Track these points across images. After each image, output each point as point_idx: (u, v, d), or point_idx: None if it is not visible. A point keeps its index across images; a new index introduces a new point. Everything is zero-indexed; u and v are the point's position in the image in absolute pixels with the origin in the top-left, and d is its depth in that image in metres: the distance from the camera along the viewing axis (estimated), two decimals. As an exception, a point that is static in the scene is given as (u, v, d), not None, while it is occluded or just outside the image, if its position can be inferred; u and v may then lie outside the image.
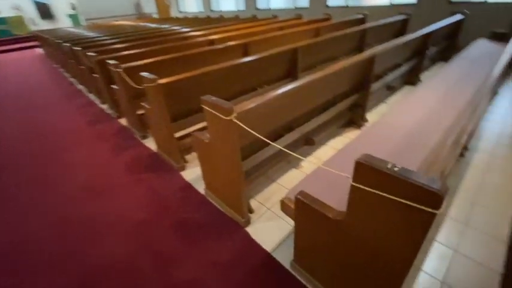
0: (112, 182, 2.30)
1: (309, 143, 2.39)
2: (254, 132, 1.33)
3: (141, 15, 13.96)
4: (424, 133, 1.72)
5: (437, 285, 1.36)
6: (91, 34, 6.34)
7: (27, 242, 1.79)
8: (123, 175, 2.38)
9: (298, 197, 1.14)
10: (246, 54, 3.29)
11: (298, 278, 1.42)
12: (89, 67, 3.59)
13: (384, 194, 0.79)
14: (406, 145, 1.63)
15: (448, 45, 4.61)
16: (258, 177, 1.94)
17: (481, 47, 3.57)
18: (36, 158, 2.79)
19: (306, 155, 2.41)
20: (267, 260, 1.54)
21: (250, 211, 1.82)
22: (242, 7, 9.43)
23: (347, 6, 6.63)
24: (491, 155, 2.27)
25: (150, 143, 2.80)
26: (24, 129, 3.48)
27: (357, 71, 2.42)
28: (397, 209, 0.78)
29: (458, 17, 4.35)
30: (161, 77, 1.98)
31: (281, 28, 4.68)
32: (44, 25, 12.33)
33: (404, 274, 0.90)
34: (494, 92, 1.65)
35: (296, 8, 7.72)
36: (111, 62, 2.53)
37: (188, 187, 2.15)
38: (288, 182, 2.09)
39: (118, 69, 2.43)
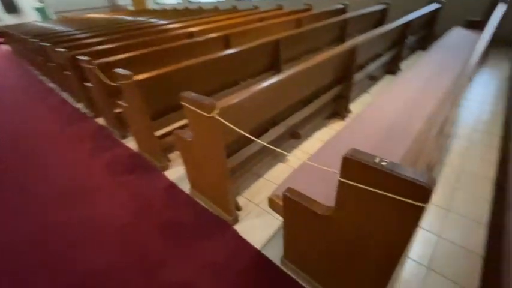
0: (92, 186, 2.18)
1: (294, 136, 2.37)
2: (238, 129, 1.28)
3: (115, 8, 13.29)
4: (407, 122, 1.74)
5: (424, 271, 1.40)
6: (61, 28, 5.96)
7: (2, 253, 1.67)
8: (103, 178, 2.27)
9: (286, 194, 1.11)
10: (227, 47, 3.20)
11: (289, 273, 1.42)
12: (60, 64, 3.36)
13: (372, 189, 0.77)
14: (390, 135, 1.64)
15: (426, 34, 4.71)
16: (245, 173, 1.90)
17: (456, 35, 3.67)
18: (7, 164, 2.60)
19: (292, 148, 2.39)
20: (257, 257, 1.52)
21: (238, 208, 1.78)
22: (222, -2, 9.18)
23: (327, -4, 6.59)
24: (469, 141, 2.35)
25: (131, 143, 2.68)
26: (-9, 133, 3.24)
27: (339, 62, 2.41)
28: (385, 203, 0.77)
29: (435, 5, 4.44)
30: (138, 73, 1.88)
31: (262, 19, 4.59)
32: (9, 20, 11.47)
33: (393, 266, 0.90)
34: (469, 79, 1.69)
35: (277, -2, 7.60)
36: (83, 58, 2.37)
37: (173, 187, 2.08)
38: (275, 177, 2.07)
39: (91, 66, 2.28)
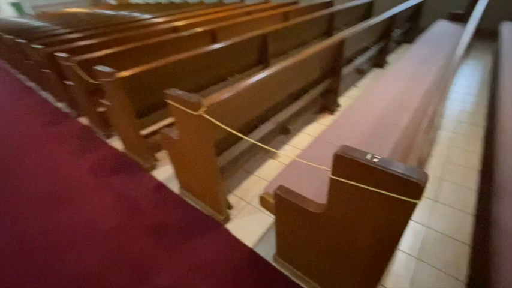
0: (76, 188, 2.10)
1: (284, 131, 2.35)
2: (226, 127, 1.24)
3: (96, 1, 12.79)
4: (396, 115, 1.75)
5: (414, 262, 1.42)
6: (39, 24, 5.67)
7: (-22, 266, 1.59)
8: (88, 179, 2.18)
9: (277, 192, 1.09)
10: (213, 42, 3.13)
11: (283, 271, 1.41)
12: (37, 62, 3.19)
13: (364, 186, 0.76)
14: (380, 129, 1.64)
15: (411, 27, 4.76)
16: (235, 171, 1.87)
17: (441, 28, 3.72)
18: (-18, 168, 2.47)
19: (282, 144, 2.38)
20: (250, 256, 1.50)
21: (229, 207, 1.75)
22: (207, -9, 8.96)
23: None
24: (454, 133, 2.40)
25: (116, 143, 2.59)
26: (-35, 136, 3.06)
27: (327, 56, 2.39)
28: (378, 200, 0.76)
29: (419, -2, 4.48)
30: (120, 70, 1.79)
31: (249, 13, 4.51)
32: (-20, 15, 10.85)
33: (386, 261, 0.90)
34: (455, 72, 1.72)
35: (263, -8, 7.49)
36: (61, 55, 2.25)
37: (161, 187, 2.02)
38: (267, 174, 2.05)
39: (70, 63, 2.17)
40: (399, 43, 4.78)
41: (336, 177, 0.82)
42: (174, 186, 1.98)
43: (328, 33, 4.01)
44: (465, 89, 3.15)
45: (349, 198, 0.84)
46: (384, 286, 1.32)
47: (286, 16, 4.18)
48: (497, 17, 4.27)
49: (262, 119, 2.00)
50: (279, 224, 1.24)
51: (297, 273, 1.35)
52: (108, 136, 2.68)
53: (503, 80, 2.28)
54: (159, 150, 2.33)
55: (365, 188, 0.76)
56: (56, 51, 2.48)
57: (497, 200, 1.23)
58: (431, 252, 1.46)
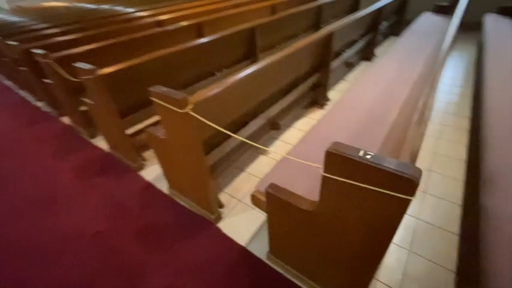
0: (60, 191, 2.01)
1: (274, 127, 2.32)
2: (214, 125, 1.20)
3: (77, -5, 12.23)
4: (386, 108, 1.75)
5: (406, 253, 1.44)
6: (15, 19, 5.38)
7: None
8: (73, 182, 2.10)
9: (269, 190, 1.06)
10: (200, 36, 3.04)
11: (276, 268, 1.39)
12: (14, 59, 3.03)
13: (357, 183, 0.74)
14: (370, 122, 1.64)
15: (397, 19, 4.79)
16: (226, 169, 1.83)
17: (427, 20, 3.76)
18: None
19: (273, 139, 2.35)
20: (243, 254, 1.48)
21: (220, 206, 1.72)
22: (192, -16, 8.72)
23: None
24: (441, 124, 2.44)
25: (101, 142, 2.50)
26: None
27: (316, 49, 2.36)
28: (371, 197, 0.74)
29: (405, -10, 4.50)
30: (102, 67, 1.71)
31: (236, 6, 4.42)
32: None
33: (380, 257, 0.90)
34: (443, 64, 1.73)
35: (250, -16, 7.35)
36: (39, 51, 2.13)
37: (150, 188, 1.97)
38: (258, 170, 2.02)
39: (47, 60, 2.06)
40: (386, 36, 4.81)
41: (328, 175, 0.80)
42: (163, 186, 1.93)
43: (316, 26, 3.98)
44: (451, 81, 3.20)
45: (342, 195, 0.82)
46: (376, 279, 1.33)
47: (273, 9, 4.11)
48: (480, 9, 4.34)
49: (252, 115, 1.96)
50: (271, 222, 1.22)
51: (290, 270, 1.34)
52: (93, 136, 2.58)
53: (488, 72, 2.32)
54: (146, 149, 2.26)
55: (358, 185, 0.75)
56: (33, 47, 2.34)
57: (485, 189, 1.25)
58: (422, 243, 1.48)
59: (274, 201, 1.09)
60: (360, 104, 1.83)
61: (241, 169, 2.04)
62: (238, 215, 1.70)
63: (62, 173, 2.21)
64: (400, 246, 1.47)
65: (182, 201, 1.80)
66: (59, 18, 4.69)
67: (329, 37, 2.40)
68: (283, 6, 4.22)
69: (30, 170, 2.28)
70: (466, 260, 1.34)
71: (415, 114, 0.94)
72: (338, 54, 3.05)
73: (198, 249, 1.52)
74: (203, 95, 1.29)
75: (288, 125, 2.52)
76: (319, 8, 3.79)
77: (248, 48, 2.83)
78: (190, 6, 4.65)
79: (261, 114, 1.99)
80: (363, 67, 3.77)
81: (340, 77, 3.43)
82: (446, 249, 1.44)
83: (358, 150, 0.72)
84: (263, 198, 1.18)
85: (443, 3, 3.99)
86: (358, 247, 0.92)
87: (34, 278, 1.45)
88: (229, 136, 1.73)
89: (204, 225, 1.65)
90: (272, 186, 1.08)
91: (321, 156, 0.78)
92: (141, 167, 2.13)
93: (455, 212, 1.63)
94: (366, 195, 0.75)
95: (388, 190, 0.69)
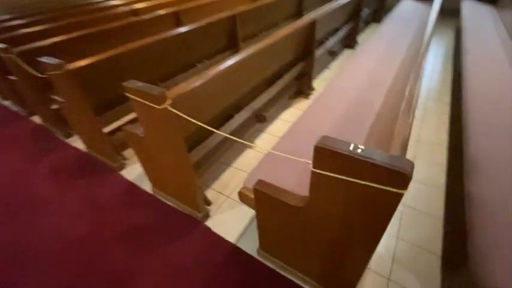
0: (36, 196, 1.88)
1: (260, 119, 2.27)
2: (196, 121, 1.14)
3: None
4: (371, 96, 1.74)
5: (394, 240, 1.46)
6: (-29, 9, 4.91)
7: None
8: (49, 185, 1.97)
9: (256, 187, 1.02)
10: (178, 25, 2.89)
11: (267, 264, 1.38)
12: (-28, 54, 2.76)
13: (348, 178, 0.71)
14: (356, 111, 1.62)
15: (378, 6, 4.79)
16: (211, 165, 1.77)
17: (407, 6, 3.78)
18: None
19: (259, 132, 2.30)
20: (233, 251, 1.45)
21: (208, 203, 1.67)
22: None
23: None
24: (424, 110, 2.48)
25: (77, 142, 2.35)
26: None
27: (300, 37, 2.31)
28: (362, 192, 0.72)
29: (385, -23, 4.49)
30: (72, 61, 1.58)
31: (215, -7, 4.24)
32: None
33: (372, 250, 0.89)
34: (427, 51, 1.74)
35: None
36: (-1, 45, 1.94)
37: (133, 188, 1.88)
38: (245, 165, 1.97)
39: (9, 55, 1.88)
40: (367, 23, 4.81)
41: (317, 170, 0.76)
42: (147, 186, 1.85)
43: (298, 14, 3.90)
44: (431, 67, 3.26)
45: (333, 190, 0.80)
46: (367, 268, 1.34)
47: (254, -4, 3.98)
48: (457, -6, 4.41)
49: (236, 108, 1.90)
50: (260, 218, 1.19)
51: (282, 265, 1.32)
52: (68, 135, 2.42)
53: (467, 57, 2.36)
54: (127, 147, 2.15)
55: (349, 180, 0.72)
56: (-8, 41, 2.13)
57: (468, 174, 1.28)
58: (409, 229, 1.51)
59: (262, 198, 1.05)
60: (345, 93, 1.81)
61: (228, 164, 1.99)
62: (227, 212, 1.65)
63: (37, 176, 2.06)
64: (389, 234, 1.49)
65: (167, 201, 1.73)
66: (23, 9, 4.32)
67: (312, 25, 2.35)
68: (264, -7, 4.09)
69: (3, 174, 2.11)
70: (450, 243, 1.38)
71: (403, 104, 0.92)
72: (321, 42, 3.01)
73: (187, 250, 1.48)
74: (183, 89, 1.21)
75: (274, 117, 2.48)
76: (301, -6, 3.71)
77: (229, 37, 2.73)
78: (167, -7, 4.42)
79: (246, 106, 1.94)
80: (346, 55, 3.76)
81: (324, 66, 3.40)
82: (432, 234, 1.47)
83: (348, 144, 0.69)
84: (251, 195, 1.14)
85: (422, -11, 4.01)
86: (350, 241, 0.91)
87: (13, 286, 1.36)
88: (213, 131, 1.66)
89: (191, 224, 1.60)
90: (260, 182, 1.04)
91: (309, 149, 0.75)
92: (122, 167, 2.03)
93: (439, 197, 1.67)
94: (357, 190, 0.73)
95: (380, 184, 0.66)
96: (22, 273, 1.43)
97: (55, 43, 2.09)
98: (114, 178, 1.97)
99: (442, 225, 1.51)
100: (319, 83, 3.00)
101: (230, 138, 1.85)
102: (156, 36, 2.01)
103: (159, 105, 1.06)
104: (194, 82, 1.28)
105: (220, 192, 1.78)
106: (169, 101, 1.07)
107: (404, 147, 0.78)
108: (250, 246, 1.46)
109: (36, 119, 2.75)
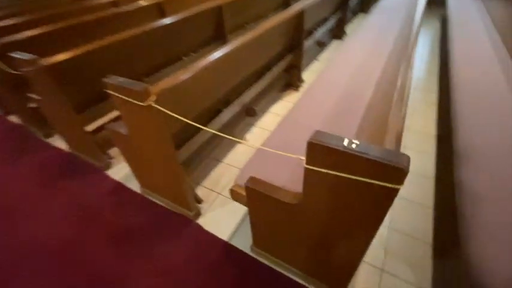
0: (18, 200, 1.78)
1: (250, 113, 2.23)
2: (182, 118, 1.08)
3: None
4: (361, 88, 1.72)
5: (386, 231, 1.47)
6: None
7: None
8: (31, 188, 1.87)
9: (248, 185, 0.99)
10: (162, 16, 2.77)
11: (262, 260, 1.36)
12: None
13: (343, 174, 0.69)
14: (347, 104, 1.60)
15: (366, -5, 4.77)
16: (201, 162, 1.73)
17: (394, -4, 3.75)
18: None
19: (249, 126, 2.26)
20: (226, 249, 1.43)
21: (199, 201, 1.63)
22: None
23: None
24: (412, 100, 2.49)
25: (59, 142, 2.25)
26: None
27: (288, 28, 2.26)
28: (358, 188, 0.70)
29: (372, -35, 4.44)
30: (48, 56, 1.48)
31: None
32: None
33: (367, 244, 0.88)
34: (416, 40, 1.74)
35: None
36: (-35, 40, 1.80)
37: (120, 188, 1.81)
38: (236, 160, 1.94)
39: (-22, 50, 1.75)
40: (355, 13, 4.78)
41: (311, 167, 0.74)
42: (135, 185, 1.79)
43: (286, 3, 3.83)
44: (418, 56, 3.28)
45: (327, 186, 0.77)
46: (360, 259, 1.35)
47: (240, -14, 3.87)
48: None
49: (225, 102, 1.85)
50: (253, 215, 1.17)
51: (277, 261, 1.31)
52: (48, 135, 2.31)
53: (454, 46, 2.37)
54: (112, 145, 2.07)
55: (343, 176, 0.69)
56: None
57: (458, 162, 1.29)
58: (400, 219, 1.52)
59: (254, 196, 1.03)
60: (335, 84, 1.79)
61: (219, 160, 1.94)
62: (219, 209, 1.62)
63: (16, 178, 1.96)
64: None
65: (157, 200, 1.68)
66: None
67: (300, 15, 2.29)
68: (251, -18, 3.98)
69: (-24, 178, 2.00)
70: (441, 232, 1.40)
71: (395, 95, 0.90)
72: (310, 33, 2.96)
73: (178, 250, 1.44)
74: (168, 84, 1.16)
75: (264, 110, 2.44)
76: (288, -16, 3.63)
77: (216, 29, 2.64)
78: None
79: (235, 100, 1.88)
80: (334, 46, 3.73)
81: (313, 57, 3.37)
82: (423, 223, 1.49)
83: (342, 139, 0.66)
84: (243, 193, 1.11)
85: (409, -22, 3.99)
86: (345, 236, 0.90)
87: (-8, 302, 1.29)
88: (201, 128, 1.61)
89: (183, 223, 1.56)
90: (251, 180, 1.01)
91: (300, 143, 0.72)
92: (108, 166, 1.95)
93: (429, 187, 1.69)
94: (352, 186, 0.71)
95: (376, 180, 0.64)
96: (5, 283, 1.36)
97: (30, 37, 1.96)
98: (100, 178, 1.89)
99: (433, 215, 1.53)
100: (308, 75, 2.97)
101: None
102: (139, 28, 1.91)
103: (143, 102, 1.00)
104: (180, 76, 1.22)
105: (211, 189, 1.74)
106: (153, 97, 1.01)
107: (398, 141, 0.76)
108: (244, 243, 1.44)
109: (14, 119, 2.61)
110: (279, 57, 2.40)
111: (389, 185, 0.63)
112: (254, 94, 2.08)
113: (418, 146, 1.99)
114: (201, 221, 1.56)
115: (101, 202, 1.73)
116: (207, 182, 1.79)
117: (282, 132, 1.40)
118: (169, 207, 1.63)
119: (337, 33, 3.90)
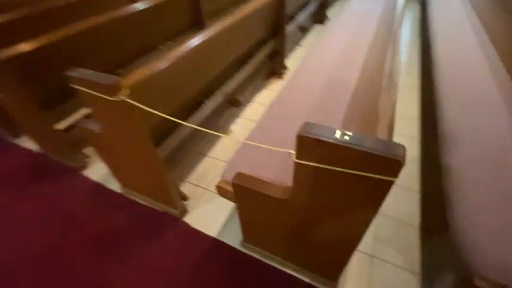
0: (-19, 209, 1.64)
1: (234, 104, 2.15)
2: (159, 113, 1.00)
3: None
4: (346, 73, 1.68)
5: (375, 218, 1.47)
6: None
7: None
8: (1, 195, 1.72)
9: (235, 181, 0.94)
10: (133, 1, 2.58)
11: (252, 254, 1.33)
12: None
13: (335, 168, 0.65)
14: (332, 90, 1.56)
15: (347, -22, 4.68)
16: (185, 157, 1.65)
17: (375, -22, 3.69)
18: None
19: (234, 117, 2.18)
20: (215, 245, 1.39)
21: (184, 198, 1.56)
22: None
23: None
24: (395, 84, 2.50)
25: (28, 142, 2.07)
26: None
27: (269, 12, 2.16)
28: (351, 181, 0.66)
29: None
30: (4, 48, 1.32)
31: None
32: None
33: (359, 237, 0.86)
34: (400, 24, 1.71)
35: None
36: None
37: (99, 188, 1.70)
38: (221, 153, 1.87)
39: None
40: (337, -4, 4.70)
41: (301, 161, 0.69)
42: (115, 185, 1.68)
43: (266, -13, 3.68)
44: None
45: (318, 180, 0.73)
46: (350, 247, 1.35)
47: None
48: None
49: (207, 93, 1.75)
50: (242, 211, 1.12)
51: (268, 255, 1.29)
52: (16, 135, 2.12)
53: (434, 28, 2.37)
54: (88, 144, 1.93)
55: (336, 170, 0.65)
56: None
57: (444, 146, 1.29)
58: (387, 204, 1.53)
59: (242, 192, 0.98)
60: (319, 71, 1.74)
61: (203, 154, 1.87)
62: (206, 205, 1.57)
63: (-19, 185, 1.80)
64: (369, 211, 1.50)
65: (140, 200, 1.60)
66: None
67: (281, -2, 2.20)
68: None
69: None
70: (428, 215, 1.42)
71: (384, 81, 0.86)
72: (291, 17, 2.87)
73: (165, 250, 1.38)
74: (143, 75, 1.06)
75: (249, 100, 2.36)
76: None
77: (193, 14, 2.49)
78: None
79: (217, 91, 1.80)
80: (317, 31, 3.66)
81: (296, 43, 3.29)
82: (411, 207, 1.51)
83: (334, 130, 0.61)
84: (230, 189, 1.05)
85: (389, -41, 3.94)
86: (336, 230, 0.87)
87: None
88: (184, 119, 1.52)
89: (168, 222, 1.49)
90: (238, 176, 0.95)
91: (286, 134, 0.67)
92: (84, 166, 1.83)
93: (415, 171, 1.71)
94: (344, 180, 0.67)
95: (370, 173, 0.61)
96: (-25, 298, 1.25)
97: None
98: (76, 179, 1.77)
99: (419, 198, 1.55)
100: (291, 62, 2.90)
101: (204, 127, 1.72)
102: (109, 14, 1.75)
103: (114, 97, 0.90)
104: (156, 66, 1.12)
105: (197, 185, 1.67)
106: (126, 91, 0.92)
107: (390, 129, 0.73)
108: (233, 238, 1.40)
109: (-26, 119, 2.37)
110: (261, 44, 2.31)
111: (385, 178, 0.60)
112: (237, 83, 1.99)
113: (402, 130, 2.00)
114: (187, 219, 1.50)
115: (79, 205, 1.62)
116: (193, 177, 1.72)
117: (268, 123, 1.34)
118: (153, 207, 1.56)
119: (319, 17, 3.82)
